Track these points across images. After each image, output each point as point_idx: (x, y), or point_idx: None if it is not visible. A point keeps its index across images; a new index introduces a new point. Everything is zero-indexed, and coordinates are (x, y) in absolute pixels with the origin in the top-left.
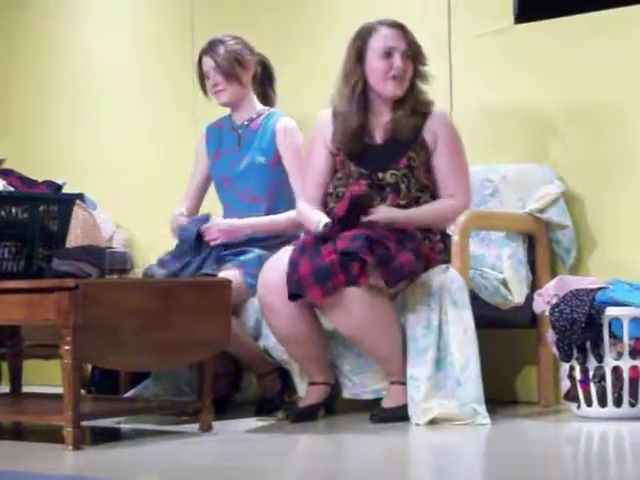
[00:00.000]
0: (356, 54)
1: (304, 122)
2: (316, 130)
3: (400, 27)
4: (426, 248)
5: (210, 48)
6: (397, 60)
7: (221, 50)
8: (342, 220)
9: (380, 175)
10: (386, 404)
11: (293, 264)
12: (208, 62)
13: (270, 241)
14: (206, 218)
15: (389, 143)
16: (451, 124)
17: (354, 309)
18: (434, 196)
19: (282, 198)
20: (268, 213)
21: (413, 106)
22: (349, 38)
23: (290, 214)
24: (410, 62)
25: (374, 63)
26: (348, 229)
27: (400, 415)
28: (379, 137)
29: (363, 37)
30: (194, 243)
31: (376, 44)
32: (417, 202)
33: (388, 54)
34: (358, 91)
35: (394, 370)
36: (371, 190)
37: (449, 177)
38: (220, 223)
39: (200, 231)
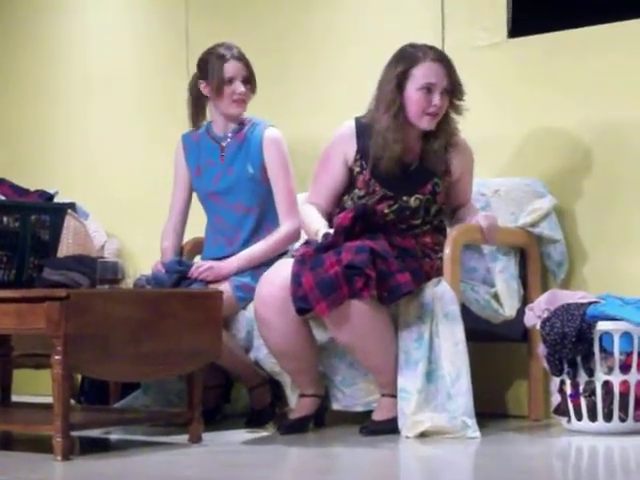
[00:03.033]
0: (396, 80)
1: (297, 131)
2: (336, 142)
3: (444, 61)
4: (427, 266)
5: (240, 56)
6: (436, 98)
7: (248, 60)
8: (346, 230)
9: (405, 199)
10: (377, 417)
11: (295, 277)
12: (239, 69)
13: None
14: (179, 262)
15: (417, 167)
16: (471, 150)
17: (356, 321)
18: (442, 220)
19: (273, 207)
20: (258, 223)
21: (446, 140)
22: (390, 59)
23: (269, 240)
24: (447, 97)
25: (413, 94)
26: (349, 240)
27: (390, 428)
28: (407, 159)
29: (406, 64)
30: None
31: (419, 76)
32: (431, 224)
33: (428, 89)
34: (401, 121)
35: (386, 382)
36: (374, 208)
37: (467, 191)
38: (209, 265)
39: (179, 275)
